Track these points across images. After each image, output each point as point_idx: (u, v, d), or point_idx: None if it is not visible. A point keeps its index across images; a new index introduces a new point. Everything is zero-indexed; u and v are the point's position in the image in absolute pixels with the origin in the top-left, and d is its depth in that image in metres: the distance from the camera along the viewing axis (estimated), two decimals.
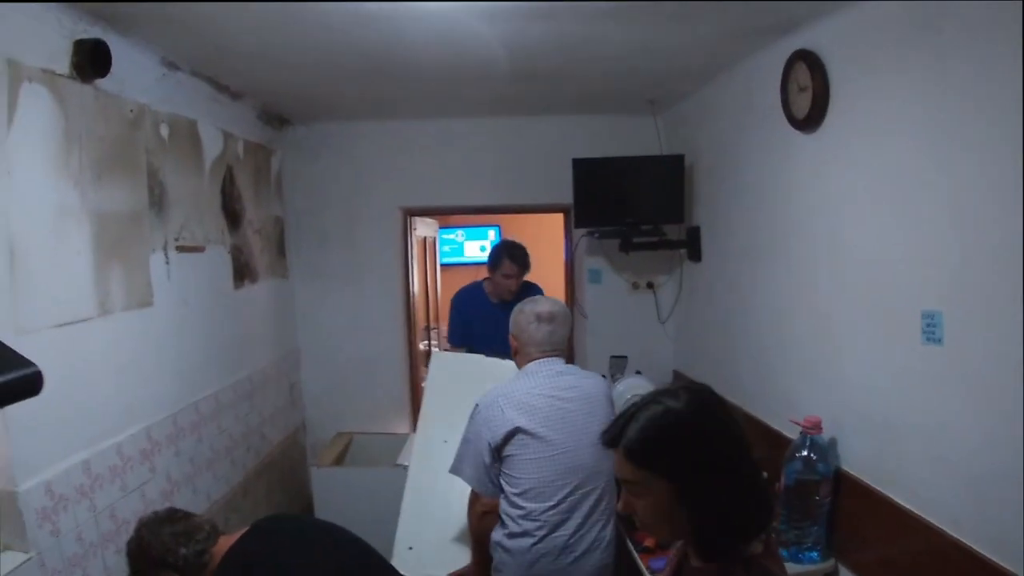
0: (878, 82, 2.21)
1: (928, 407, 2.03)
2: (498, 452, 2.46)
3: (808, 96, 2.55)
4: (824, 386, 2.60)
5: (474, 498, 2.59)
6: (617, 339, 4.43)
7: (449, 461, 2.62)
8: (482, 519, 2.57)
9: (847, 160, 2.40)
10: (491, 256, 4.21)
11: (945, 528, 1.96)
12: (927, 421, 2.04)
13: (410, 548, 2.94)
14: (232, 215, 3.54)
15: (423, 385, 4.04)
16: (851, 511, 2.40)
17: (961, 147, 1.86)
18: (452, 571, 2.77)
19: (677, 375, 4.35)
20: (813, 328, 2.67)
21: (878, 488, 2.26)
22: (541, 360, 2.60)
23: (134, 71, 2.61)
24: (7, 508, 2.00)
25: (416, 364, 4.89)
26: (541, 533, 2.42)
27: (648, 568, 2.63)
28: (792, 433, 2.59)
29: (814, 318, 2.66)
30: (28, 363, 1.21)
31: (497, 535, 2.50)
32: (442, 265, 6.53)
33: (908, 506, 2.12)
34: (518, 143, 4.52)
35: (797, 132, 2.69)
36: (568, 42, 2.82)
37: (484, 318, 4.12)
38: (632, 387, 3.49)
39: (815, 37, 2.55)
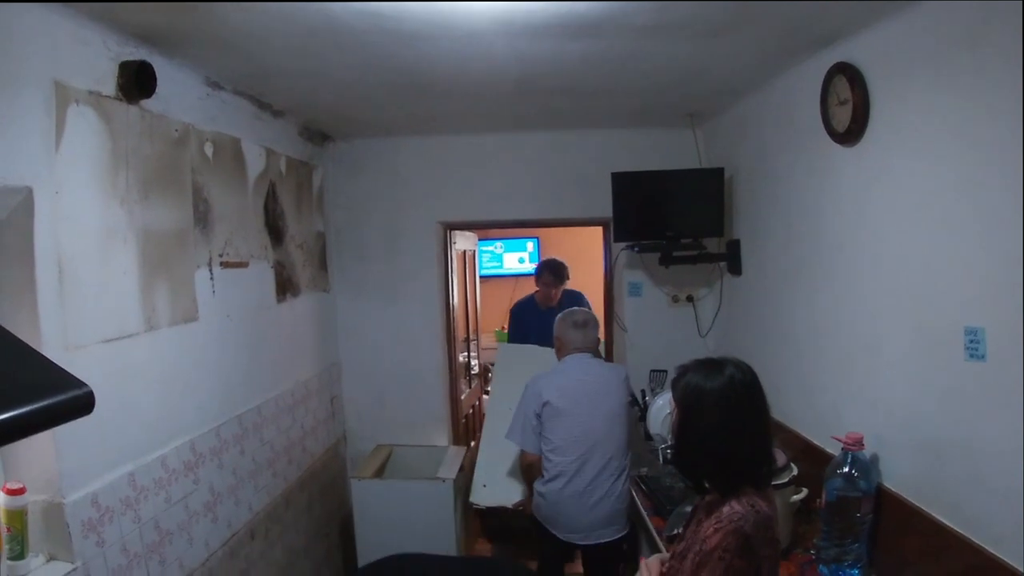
0: (919, 95, 2.18)
1: (971, 424, 1.99)
2: (538, 418, 3.42)
3: (848, 109, 2.52)
4: (866, 402, 2.56)
5: (523, 455, 3.57)
6: (657, 353, 4.40)
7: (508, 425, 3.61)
8: (528, 470, 3.56)
9: (888, 174, 2.37)
10: (536, 271, 5.40)
11: (987, 547, 1.92)
12: (969, 438, 2.00)
13: (484, 485, 4.15)
14: (275, 231, 3.60)
15: (491, 369, 5.32)
16: (892, 529, 2.35)
17: (1003, 162, 1.83)
18: (515, 500, 3.93)
19: None
20: (855, 344, 2.63)
21: (920, 506, 2.22)
22: (575, 355, 3.55)
23: (178, 91, 2.68)
24: (54, 519, 2.06)
25: (456, 377, 4.91)
26: (564, 480, 3.35)
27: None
28: (834, 449, 2.56)
29: (856, 333, 2.62)
30: (80, 384, 1.25)
31: (537, 484, 3.48)
32: (482, 277, 6.56)
33: (950, 524, 2.07)
34: (557, 157, 4.52)
35: (837, 146, 2.66)
36: (607, 59, 2.83)
37: (535, 321, 5.06)
38: (671, 400, 3.46)
39: (854, 50, 2.52)
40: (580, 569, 3.76)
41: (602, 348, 5.00)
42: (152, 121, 2.51)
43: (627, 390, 3.53)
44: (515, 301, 5.73)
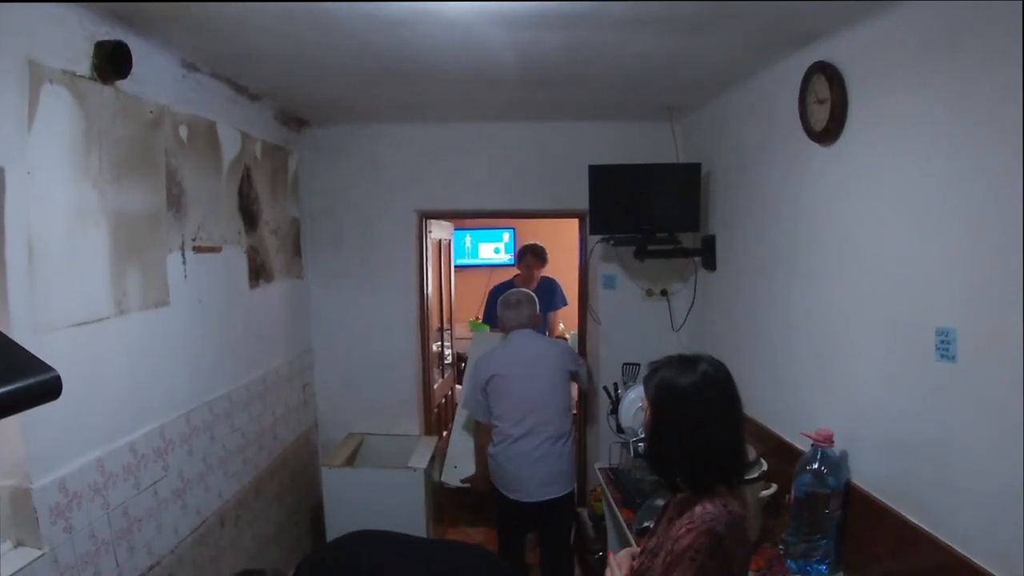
0: (898, 96, 2.20)
1: (940, 423, 2.02)
2: (484, 390, 3.83)
3: (826, 108, 2.54)
4: (837, 400, 2.59)
5: (474, 423, 4.03)
6: (630, 346, 4.43)
7: None
8: (480, 436, 3.97)
9: (865, 174, 2.39)
10: (519, 253, 5.93)
11: (954, 545, 1.95)
12: (939, 437, 2.03)
13: (455, 467, 4.49)
14: (249, 216, 3.57)
15: (464, 359, 5.69)
16: (860, 525, 2.39)
17: (979, 164, 1.86)
18: (467, 476, 4.21)
19: None
20: (827, 341, 2.67)
21: (888, 503, 2.25)
22: (517, 332, 3.96)
23: (154, 72, 2.64)
24: (21, 505, 2.03)
25: (428, 366, 4.90)
26: (509, 442, 3.75)
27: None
28: (804, 446, 2.58)
29: (828, 331, 2.66)
30: (47, 368, 1.24)
31: (489, 447, 3.86)
32: (456, 266, 6.54)
33: (917, 522, 2.11)
34: (535, 148, 4.52)
35: (815, 144, 2.68)
36: (586, 50, 2.82)
37: None
38: (643, 395, 3.49)
39: (834, 49, 2.54)
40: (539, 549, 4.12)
41: (575, 340, 5.04)
42: (127, 102, 2.47)
43: (567, 361, 3.93)
44: (493, 284, 6.02)
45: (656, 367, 1.89)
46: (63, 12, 2.15)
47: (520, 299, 4.01)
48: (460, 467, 4.42)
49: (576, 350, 4.66)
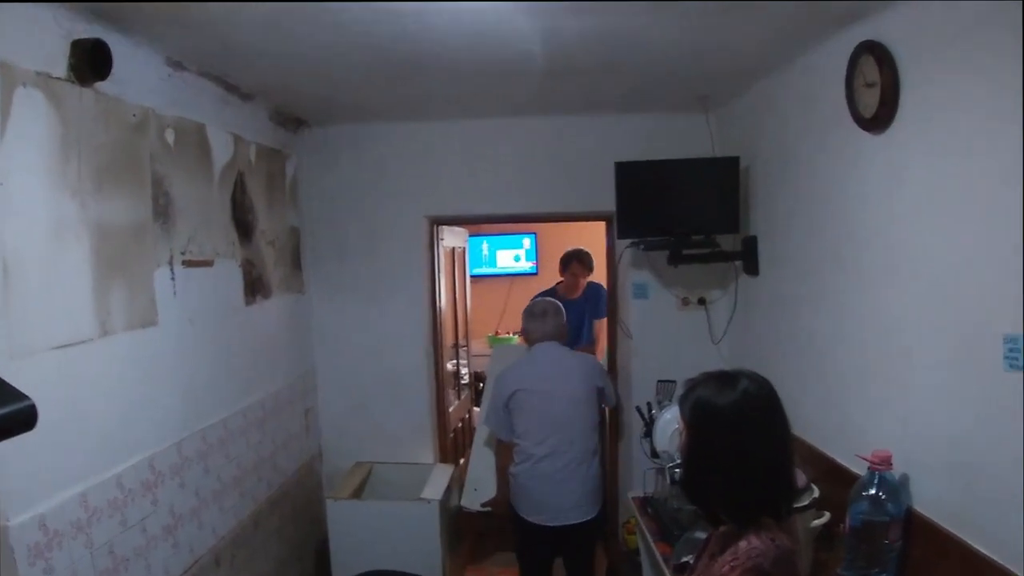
0: (955, 77, 2.17)
1: (1010, 441, 1.99)
2: (506, 406, 3.87)
3: (876, 93, 2.52)
4: (895, 417, 2.56)
5: (496, 442, 4.09)
6: (665, 361, 4.40)
7: None
8: (503, 456, 3.99)
9: (921, 164, 2.37)
10: (564, 260, 5.94)
11: None
12: (1008, 457, 1.99)
13: (475, 490, 4.64)
14: (243, 226, 3.60)
15: (482, 378, 5.89)
16: (924, 557, 2.35)
17: None
18: (488, 499, 4.31)
19: None
20: (883, 352, 2.64)
21: (954, 531, 2.21)
22: (541, 344, 4.00)
23: (137, 72, 2.67)
24: None
25: (443, 387, 4.91)
26: (532, 462, 3.79)
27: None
28: (859, 469, 2.56)
29: (884, 341, 2.63)
30: (22, 396, 1.24)
31: (511, 467, 3.89)
32: (472, 276, 6.56)
33: (988, 553, 2.07)
34: (555, 145, 4.53)
35: (864, 133, 2.66)
36: (611, 36, 2.83)
37: None
38: (679, 416, 3.47)
39: (883, 27, 2.52)
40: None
41: (605, 356, 5.03)
42: (107, 105, 2.50)
43: (595, 377, 3.98)
44: (535, 294, 5.88)
45: (692, 385, 1.86)
46: (36, 11, 2.18)
47: (546, 309, 4.05)
48: (480, 490, 4.51)
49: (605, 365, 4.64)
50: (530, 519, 3.83)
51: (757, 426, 1.76)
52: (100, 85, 2.43)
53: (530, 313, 4.08)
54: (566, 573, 4.06)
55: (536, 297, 5.57)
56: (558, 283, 6.03)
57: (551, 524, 3.79)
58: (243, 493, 3.52)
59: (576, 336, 5.39)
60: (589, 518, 3.84)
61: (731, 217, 3.96)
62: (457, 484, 4.57)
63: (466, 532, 4.92)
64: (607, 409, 4.60)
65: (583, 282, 5.91)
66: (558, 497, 3.78)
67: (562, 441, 3.78)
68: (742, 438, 1.74)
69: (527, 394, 3.85)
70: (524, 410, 3.85)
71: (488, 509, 4.31)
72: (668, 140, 4.34)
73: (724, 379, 1.81)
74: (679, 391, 2.00)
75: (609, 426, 4.84)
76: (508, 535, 4.28)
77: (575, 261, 5.88)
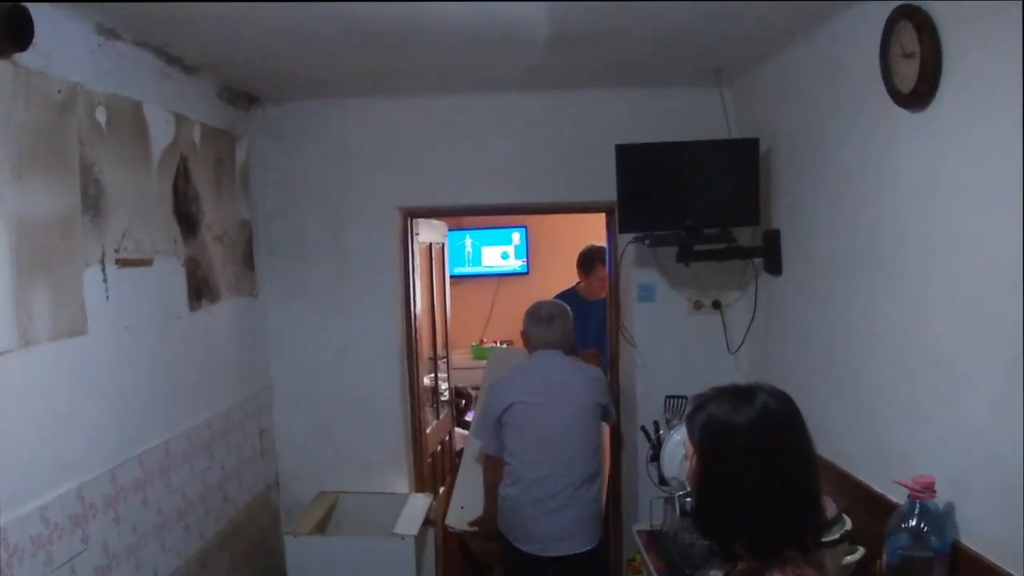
0: (1005, 48, 2.18)
1: None
2: (499, 420, 4.01)
3: (915, 65, 2.53)
4: (938, 437, 2.57)
5: (486, 457, 4.22)
6: (674, 373, 4.41)
7: None
8: (492, 473, 4.16)
9: (966, 146, 2.38)
10: (585, 261, 5.93)
11: None
12: None
13: (462, 507, 4.75)
14: (187, 219, 3.59)
15: (464, 394, 6.24)
16: None
17: None
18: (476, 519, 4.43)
19: None
20: (924, 362, 2.65)
21: (1008, 569, 2.22)
22: (540, 353, 4.14)
23: (63, 42, 2.65)
24: None
25: (419, 405, 4.91)
26: (524, 484, 3.93)
27: None
28: (898, 497, 2.57)
29: (925, 348, 2.64)
30: None
31: (501, 488, 4.04)
32: (453, 277, 6.55)
33: None
34: (548, 124, 4.54)
35: (901, 110, 2.67)
36: None
37: (578, 317, 4.87)
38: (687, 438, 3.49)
39: None
40: None
41: (605, 366, 5.03)
42: (28, 80, 2.49)
43: (598, 392, 4.10)
44: (555, 294, 5.90)
45: (702, 402, 1.87)
46: None
47: (553, 314, 4.17)
48: (468, 507, 4.65)
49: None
50: (521, 548, 3.95)
51: (779, 446, 1.77)
52: (19, 57, 2.41)
53: (535, 316, 4.17)
54: None
55: (556, 296, 5.57)
56: (577, 284, 6.02)
57: (544, 555, 3.92)
58: (188, 528, 3.51)
59: (597, 342, 5.44)
60: (589, 548, 3.96)
61: (750, 208, 3.96)
62: (440, 513, 4.57)
63: (450, 559, 4.95)
64: (608, 428, 4.62)
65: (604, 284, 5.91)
66: (553, 524, 3.89)
67: (559, 463, 3.90)
68: (762, 461, 1.74)
69: (524, 407, 3.97)
70: (519, 426, 3.98)
71: (476, 529, 4.46)
72: (677, 119, 4.34)
73: (739, 394, 1.82)
74: (688, 408, 1.99)
75: (610, 448, 4.85)
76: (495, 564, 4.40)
77: (599, 262, 5.80)
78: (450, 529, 4.83)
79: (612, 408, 4.33)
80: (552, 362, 4.10)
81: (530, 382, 4.05)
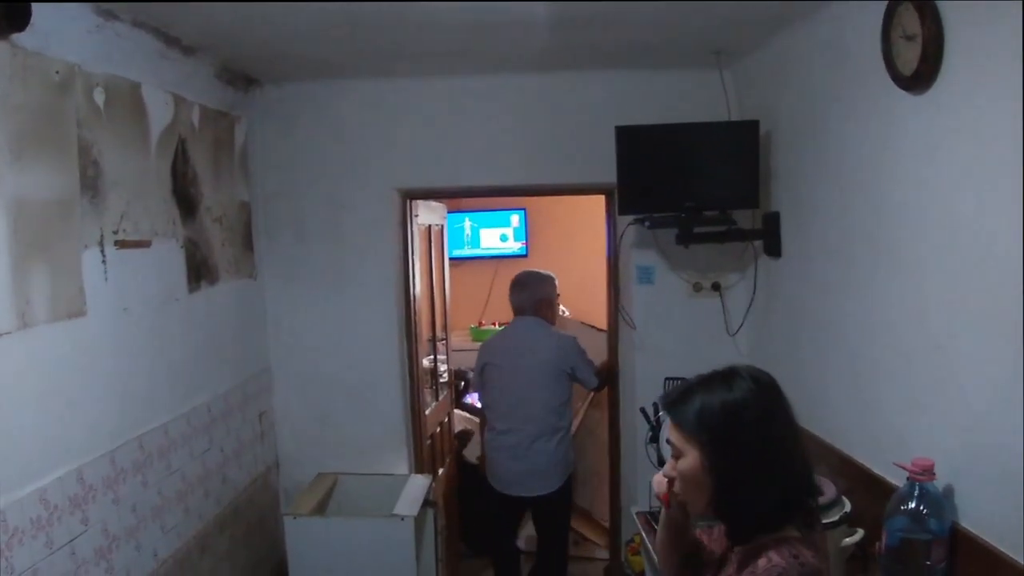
0: (1008, 31, 2.17)
1: None
2: (481, 378, 4.84)
3: (917, 47, 2.52)
4: (938, 420, 2.57)
5: (480, 413, 5.13)
6: (674, 356, 4.41)
7: None
8: (482, 420, 5.01)
9: (968, 129, 2.37)
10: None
11: None
12: None
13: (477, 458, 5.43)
14: (185, 200, 3.58)
15: (463, 376, 6.36)
16: None
17: None
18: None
19: None
20: (924, 345, 2.65)
21: (1007, 553, 2.23)
22: (518, 319, 4.84)
23: (61, 23, 2.64)
24: None
25: (418, 386, 4.91)
26: (495, 433, 4.74)
27: None
28: (897, 479, 2.57)
29: (925, 331, 2.64)
30: None
31: (485, 435, 4.90)
32: (452, 259, 6.54)
33: None
34: (548, 106, 4.52)
35: (903, 92, 2.66)
36: None
37: None
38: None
39: None
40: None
41: (603, 347, 5.04)
42: (26, 61, 2.48)
43: (566, 359, 4.65)
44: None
45: (684, 395, 1.85)
46: None
47: (525, 280, 4.89)
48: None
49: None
50: (493, 485, 4.76)
51: (779, 415, 1.80)
52: (17, 38, 2.40)
53: (512, 283, 4.89)
54: (537, 543, 4.96)
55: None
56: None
57: (511, 494, 4.69)
58: (188, 510, 3.51)
59: None
60: (550, 491, 4.64)
61: (750, 190, 3.96)
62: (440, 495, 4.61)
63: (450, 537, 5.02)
64: (606, 414, 4.88)
65: None
66: (512, 470, 4.65)
67: (519, 418, 4.62)
68: (771, 430, 1.77)
69: (492, 368, 4.74)
70: (490, 384, 4.77)
71: (477, 463, 5.29)
72: (678, 101, 4.34)
73: (724, 376, 1.83)
74: (664, 407, 1.94)
75: (609, 432, 4.87)
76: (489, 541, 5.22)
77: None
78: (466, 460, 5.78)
79: (586, 374, 4.72)
80: (524, 327, 4.76)
81: (502, 345, 4.79)
